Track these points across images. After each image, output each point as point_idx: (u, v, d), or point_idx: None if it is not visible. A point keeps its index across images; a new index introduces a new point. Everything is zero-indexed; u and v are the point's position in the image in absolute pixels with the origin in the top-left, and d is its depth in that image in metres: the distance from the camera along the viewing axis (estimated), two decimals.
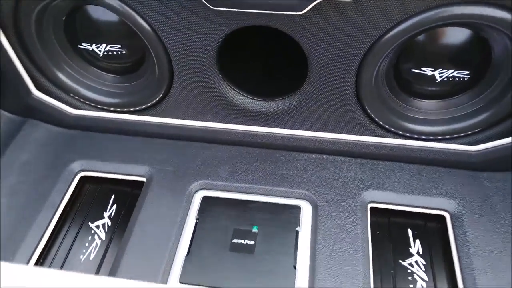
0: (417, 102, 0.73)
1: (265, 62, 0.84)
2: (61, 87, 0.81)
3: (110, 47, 0.77)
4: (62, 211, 0.75)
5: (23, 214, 0.72)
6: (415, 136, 0.74)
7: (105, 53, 0.79)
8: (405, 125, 0.73)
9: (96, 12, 0.74)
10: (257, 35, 0.73)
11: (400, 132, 0.74)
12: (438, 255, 0.69)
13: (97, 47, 0.78)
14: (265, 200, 0.74)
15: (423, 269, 0.67)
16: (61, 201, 0.75)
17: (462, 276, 0.64)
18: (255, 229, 0.70)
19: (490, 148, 0.72)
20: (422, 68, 0.68)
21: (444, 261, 0.68)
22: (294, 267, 0.65)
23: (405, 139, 0.75)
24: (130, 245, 0.67)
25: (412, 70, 0.68)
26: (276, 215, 0.71)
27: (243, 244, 0.68)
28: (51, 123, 0.85)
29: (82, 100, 0.82)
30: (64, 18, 0.74)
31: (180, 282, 0.64)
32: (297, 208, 0.72)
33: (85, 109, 0.83)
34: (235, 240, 0.69)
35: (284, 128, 0.78)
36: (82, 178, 0.79)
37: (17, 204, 0.73)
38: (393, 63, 0.69)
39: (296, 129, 0.78)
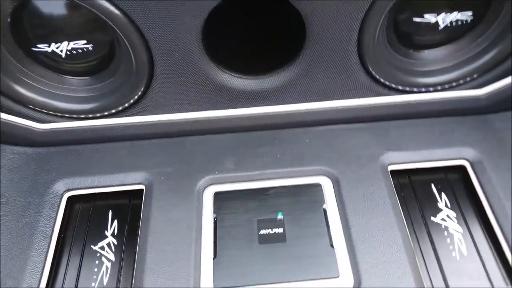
0: (419, 54, 0.70)
1: (254, 38, 0.78)
2: (20, 102, 0.70)
3: (74, 44, 0.67)
4: (57, 240, 0.65)
5: (14, 253, 0.62)
6: (422, 89, 0.71)
7: (68, 52, 0.68)
8: (410, 79, 0.70)
9: (48, 6, 0.64)
10: (243, 9, 0.66)
11: (406, 89, 0.71)
12: (467, 205, 0.67)
13: (57, 47, 0.68)
14: (282, 184, 0.68)
15: (456, 221, 0.66)
16: (53, 228, 0.65)
17: (498, 222, 0.63)
18: (280, 216, 0.65)
19: (497, 88, 0.71)
20: (425, 16, 0.65)
21: (475, 209, 0.66)
22: (332, 246, 0.61)
23: (412, 94, 0.72)
24: (149, 260, 0.60)
25: (414, 19, 0.65)
26: (298, 197, 0.67)
27: (272, 233, 0.63)
28: (19, 144, 0.74)
29: (49, 112, 0.72)
30: (9, 19, 0.64)
31: None
32: (318, 186, 0.68)
33: (56, 121, 0.73)
34: (262, 232, 0.63)
35: (286, 104, 0.72)
36: (70, 198, 0.70)
37: (3, 242, 0.63)
38: (393, 16, 0.65)
39: (298, 103, 0.72)
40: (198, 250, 0.62)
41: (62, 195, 0.69)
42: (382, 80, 0.70)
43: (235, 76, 0.70)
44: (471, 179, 0.68)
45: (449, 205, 0.67)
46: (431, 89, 0.72)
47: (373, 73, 0.69)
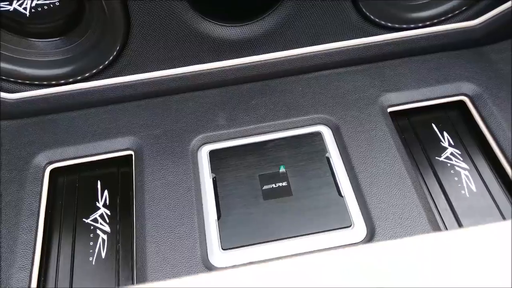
0: None
1: None
2: None
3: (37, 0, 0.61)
4: (46, 216, 0.60)
5: (0, 234, 0.57)
6: (415, 25, 0.68)
7: (33, 10, 0.61)
8: (402, 15, 0.67)
9: None
10: None
11: (399, 25, 0.67)
12: (470, 141, 0.65)
13: (20, 4, 0.61)
14: (279, 136, 0.65)
15: (461, 158, 0.64)
16: (39, 205, 0.60)
17: (504, 154, 0.61)
18: (282, 169, 0.61)
19: (491, 18, 0.68)
20: None
21: (479, 144, 0.65)
22: (340, 195, 0.58)
23: (405, 30, 0.69)
24: (149, 228, 0.56)
25: None
26: (299, 148, 0.63)
27: (276, 188, 0.60)
28: None
29: (19, 80, 0.65)
30: None
31: (223, 249, 0.55)
32: (318, 135, 0.64)
33: (27, 90, 0.66)
34: (265, 187, 0.60)
35: (275, 51, 0.68)
36: (53, 171, 0.64)
37: None
38: None
39: (289, 49, 0.68)
40: (201, 212, 0.58)
41: (44, 169, 0.63)
42: (373, 17, 0.66)
43: (218, 24, 0.65)
44: (472, 114, 0.66)
45: (452, 143, 0.65)
46: (425, 23, 0.69)
47: (364, 10, 0.65)
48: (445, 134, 0.66)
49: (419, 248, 0.29)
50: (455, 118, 0.68)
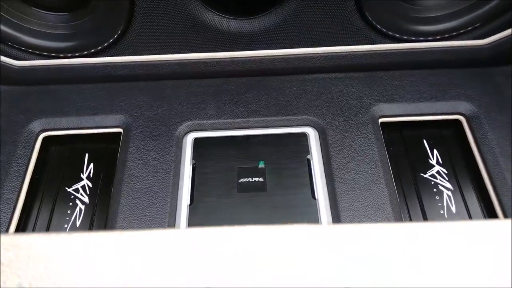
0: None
1: None
2: None
3: None
4: (31, 179, 0.63)
5: None
6: (421, 38, 0.67)
7: None
8: (408, 27, 0.66)
9: None
10: None
11: (404, 37, 0.66)
12: (459, 161, 0.64)
13: None
14: (265, 132, 0.65)
15: (447, 178, 0.62)
16: (26, 167, 0.63)
17: (491, 179, 0.59)
18: (261, 165, 0.62)
19: (501, 38, 0.66)
20: None
21: (467, 166, 0.63)
22: (314, 197, 0.58)
23: (410, 42, 0.67)
24: (123, 204, 0.58)
25: None
26: (282, 147, 0.63)
27: (252, 182, 0.60)
28: None
29: (26, 48, 0.68)
30: None
31: None
32: (303, 136, 0.64)
33: (33, 59, 0.69)
34: (242, 180, 0.60)
35: (274, 48, 0.68)
36: (45, 139, 0.67)
37: None
38: None
39: (288, 48, 0.68)
40: (175, 195, 0.59)
41: (37, 135, 0.66)
42: (378, 26, 0.65)
43: (221, 16, 0.66)
44: (466, 135, 0.65)
45: (441, 161, 0.64)
46: (430, 38, 0.67)
47: (369, 17, 0.64)
48: (435, 151, 0.65)
49: (384, 234, 0.29)
50: (448, 137, 0.66)
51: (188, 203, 0.59)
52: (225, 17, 0.66)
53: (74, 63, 0.69)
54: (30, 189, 0.62)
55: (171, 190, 0.59)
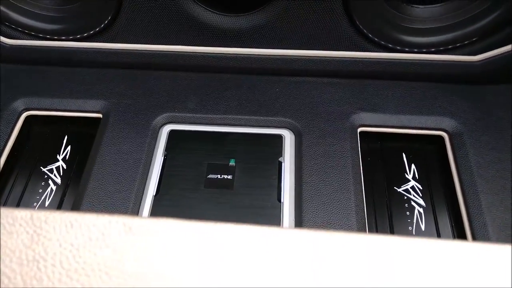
0: (411, 9, 0.63)
1: None
2: None
3: None
4: (8, 155, 0.64)
5: None
6: (412, 49, 0.65)
7: None
8: (399, 37, 0.64)
9: None
10: None
11: (394, 46, 0.65)
12: (436, 179, 0.62)
13: None
14: (242, 131, 0.65)
15: (421, 194, 0.61)
16: (5, 144, 0.64)
17: (465, 199, 0.57)
18: (232, 163, 0.61)
19: (493, 56, 0.64)
20: None
21: (443, 185, 0.61)
22: (279, 200, 0.58)
23: (398, 52, 0.66)
24: (90, 188, 0.58)
25: None
26: (256, 147, 0.63)
27: (220, 179, 0.60)
28: None
29: (19, 28, 0.70)
30: None
31: None
32: (279, 138, 0.64)
33: (23, 39, 0.71)
34: (210, 176, 0.60)
35: (260, 47, 0.68)
36: (28, 118, 0.68)
37: None
38: None
39: (274, 48, 0.67)
40: (142, 185, 0.59)
41: (20, 113, 0.67)
42: (367, 33, 0.64)
43: (210, 11, 0.65)
44: (447, 152, 0.63)
45: (417, 176, 0.62)
46: (422, 50, 0.66)
47: (358, 23, 0.63)
48: (413, 166, 0.63)
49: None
50: (428, 152, 0.64)
51: (154, 193, 0.59)
52: (214, 12, 0.66)
53: (64, 46, 0.70)
54: (6, 164, 0.64)
55: (139, 179, 0.59)
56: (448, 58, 0.66)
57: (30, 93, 0.69)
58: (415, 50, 0.66)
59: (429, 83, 0.67)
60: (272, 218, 0.56)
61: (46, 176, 0.64)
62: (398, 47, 0.65)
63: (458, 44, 0.65)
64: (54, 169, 0.64)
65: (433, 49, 0.65)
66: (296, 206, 0.57)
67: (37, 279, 0.26)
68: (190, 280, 0.26)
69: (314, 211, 0.56)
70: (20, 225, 0.28)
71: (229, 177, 0.60)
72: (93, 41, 0.69)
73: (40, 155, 0.66)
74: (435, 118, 0.64)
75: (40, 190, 0.62)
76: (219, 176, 0.60)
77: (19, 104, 0.68)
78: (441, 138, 0.64)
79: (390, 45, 0.65)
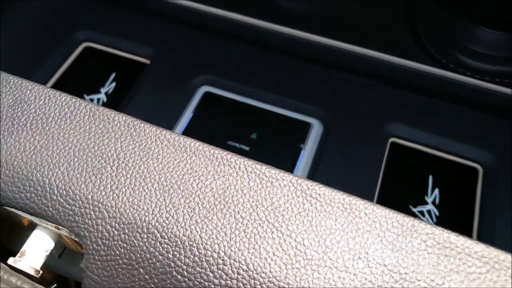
0: (482, 32, 0.60)
1: None
2: None
3: None
4: (59, 78, 0.69)
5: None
6: (469, 72, 0.61)
7: None
8: (462, 58, 0.61)
9: None
10: None
11: (453, 67, 0.61)
12: (456, 210, 0.58)
13: None
14: (272, 109, 0.65)
15: (435, 221, 0.58)
16: (59, 67, 0.69)
17: (479, 238, 0.54)
18: (253, 136, 0.62)
19: None
20: None
21: (461, 217, 0.58)
22: None
23: (456, 73, 0.62)
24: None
25: None
26: (281, 127, 0.63)
27: (237, 148, 0.61)
28: None
29: None
30: None
31: None
32: (307, 125, 0.63)
33: None
34: (230, 142, 0.61)
35: (315, 34, 0.67)
36: (86, 49, 0.73)
37: (11, 65, 0.68)
38: None
39: (328, 37, 0.66)
40: None
41: (80, 43, 0.72)
42: (426, 44, 0.61)
43: None
44: (476, 186, 0.59)
45: (437, 202, 0.59)
46: (485, 78, 0.62)
47: (421, 35, 0.60)
48: (436, 190, 0.60)
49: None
50: (457, 181, 0.61)
51: None
52: None
53: None
54: (54, 85, 0.68)
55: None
56: (504, 90, 0.61)
57: (94, 27, 0.73)
58: (475, 75, 0.62)
59: (479, 112, 0.63)
60: None
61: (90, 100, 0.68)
62: (460, 70, 0.62)
63: None
64: (96, 100, 0.69)
65: (492, 78, 0.61)
66: None
67: None
68: None
69: None
70: None
71: (247, 148, 0.61)
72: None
73: (86, 84, 0.70)
74: (474, 149, 0.60)
75: None
76: (237, 145, 0.61)
77: (82, 34, 0.72)
78: (474, 170, 0.60)
79: (452, 66, 0.62)
